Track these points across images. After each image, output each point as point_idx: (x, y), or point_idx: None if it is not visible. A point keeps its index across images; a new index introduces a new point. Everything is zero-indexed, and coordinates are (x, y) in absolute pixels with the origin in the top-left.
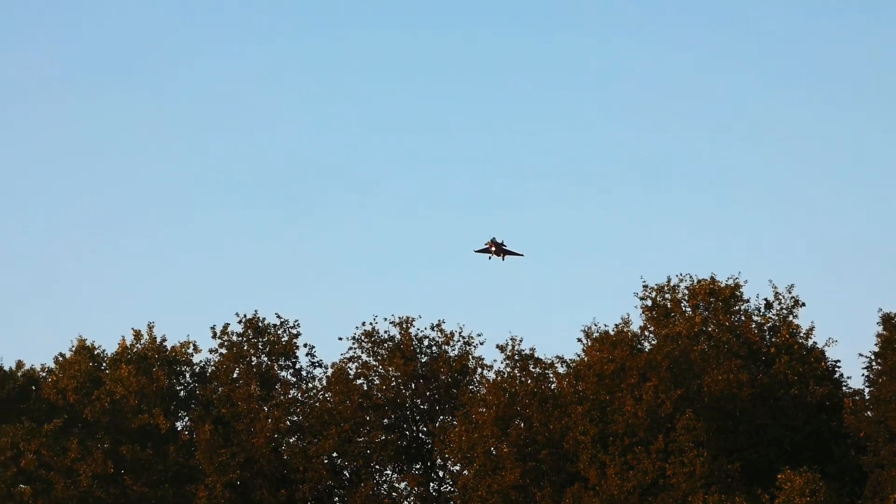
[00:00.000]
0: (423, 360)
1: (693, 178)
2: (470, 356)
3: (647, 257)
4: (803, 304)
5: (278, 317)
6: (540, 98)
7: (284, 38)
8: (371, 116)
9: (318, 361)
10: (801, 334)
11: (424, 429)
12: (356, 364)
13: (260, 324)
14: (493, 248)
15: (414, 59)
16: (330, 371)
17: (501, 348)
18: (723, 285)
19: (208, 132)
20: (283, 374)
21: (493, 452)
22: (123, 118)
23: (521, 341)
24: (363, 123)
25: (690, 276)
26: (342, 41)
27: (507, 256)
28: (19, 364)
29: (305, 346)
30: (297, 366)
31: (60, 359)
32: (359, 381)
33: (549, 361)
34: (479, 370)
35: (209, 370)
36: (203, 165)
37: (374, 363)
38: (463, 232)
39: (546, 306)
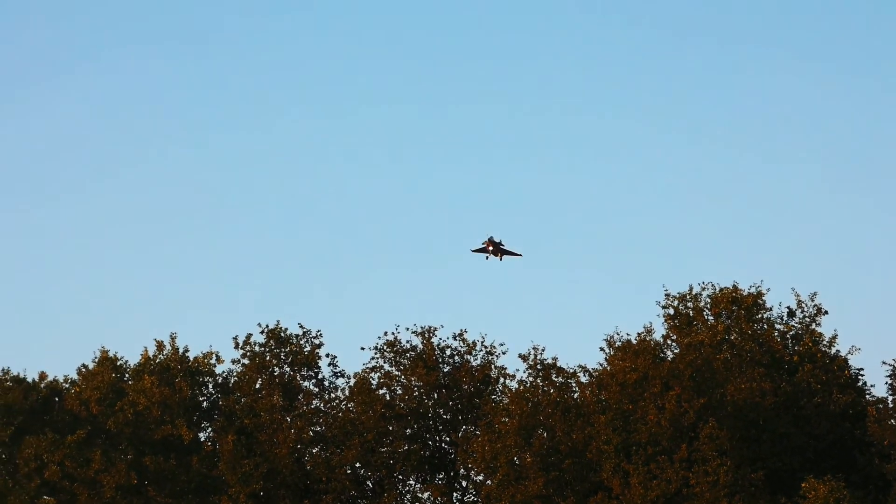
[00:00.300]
0: (445, 370)
1: (715, 185)
2: (492, 366)
3: (669, 266)
4: (826, 312)
5: (301, 327)
6: (556, 100)
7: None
8: (378, 121)
9: (340, 371)
10: (825, 342)
11: (447, 439)
12: (379, 374)
13: (282, 334)
14: (491, 248)
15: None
16: (352, 381)
17: (524, 358)
18: (745, 293)
19: (228, 142)
20: (306, 384)
21: (517, 462)
22: (143, 127)
23: (543, 350)
24: (371, 129)
25: (713, 285)
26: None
27: (504, 256)
28: (42, 375)
29: (328, 356)
30: (320, 376)
31: (83, 370)
32: (381, 391)
33: (571, 371)
34: (502, 380)
35: (232, 381)
36: (225, 176)
37: (397, 373)
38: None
39: (568, 315)
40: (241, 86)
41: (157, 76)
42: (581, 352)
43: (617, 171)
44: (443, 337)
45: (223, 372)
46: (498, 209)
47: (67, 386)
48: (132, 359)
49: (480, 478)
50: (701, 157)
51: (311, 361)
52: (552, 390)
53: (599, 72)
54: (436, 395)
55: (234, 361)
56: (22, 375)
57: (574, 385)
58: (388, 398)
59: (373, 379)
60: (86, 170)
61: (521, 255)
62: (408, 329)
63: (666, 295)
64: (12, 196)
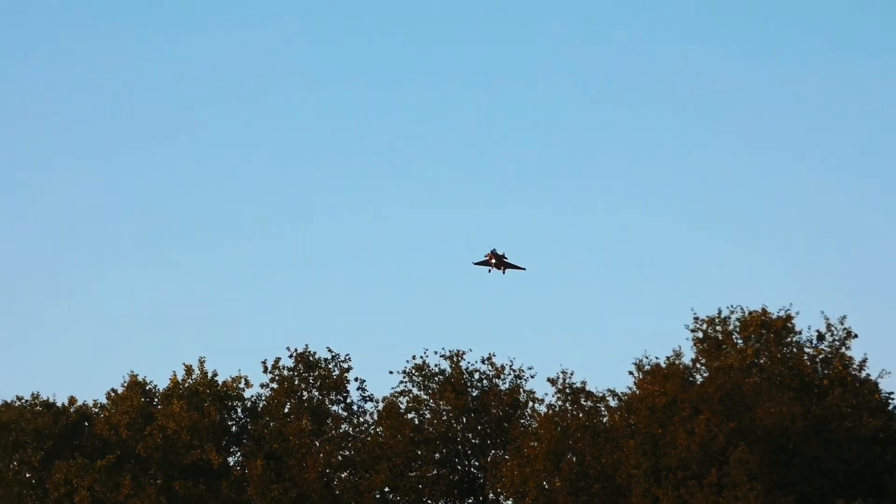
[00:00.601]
0: (474, 394)
1: (743, 208)
2: (521, 389)
3: (698, 289)
4: (856, 336)
5: (329, 351)
6: (574, 111)
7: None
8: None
9: (369, 395)
10: (854, 366)
11: (476, 463)
12: (407, 398)
13: (311, 358)
14: (493, 261)
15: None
16: (381, 405)
17: (553, 382)
18: (774, 317)
19: (255, 167)
20: (335, 408)
21: (546, 487)
22: (172, 153)
23: (572, 374)
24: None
25: (742, 308)
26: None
27: (507, 270)
28: (72, 400)
29: (356, 380)
30: (349, 400)
31: (112, 394)
32: (410, 416)
33: (600, 395)
34: (531, 404)
35: (260, 405)
36: (251, 202)
37: (425, 397)
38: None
39: (597, 338)
40: (262, 110)
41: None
42: (610, 375)
43: (646, 191)
44: (471, 361)
45: (252, 396)
46: (520, 226)
47: (97, 410)
48: (161, 383)
49: (510, 502)
50: (730, 179)
51: (339, 385)
52: (581, 414)
53: (623, 84)
54: (464, 419)
55: (262, 386)
56: (51, 400)
57: (603, 409)
58: (416, 422)
59: (401, 403)
60: (112, 196)
61: (524, 269)
62: (436, 353)
63: (695, 318)
64: (40, 219)
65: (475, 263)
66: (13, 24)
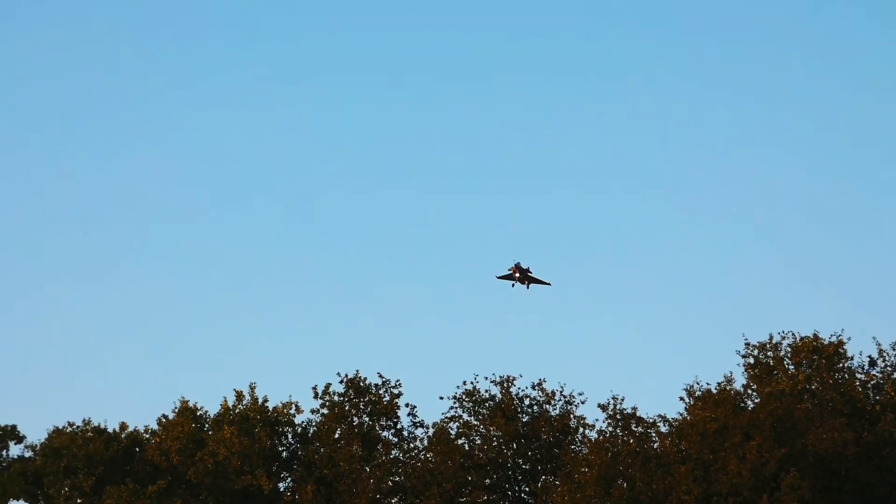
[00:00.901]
0: (524, 420)
1: (795, 233)
2: (571, 415)
3: (749, 314)
4: None
5: (380, 376)
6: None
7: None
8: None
9: (419, 421)
10: None
11: (527, 489)
12: (457, 424)
13: (361, 384)
14: (518, 275)
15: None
16: (431, 431)
17: (603, 407)
18: (826, 343)
19: (311, 189)
20: (385, 434)
21: None
22: (221, 181)
23: (622, 400)
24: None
25: (793, 334)
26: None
27: (532, 284)
28: (123, 426)
29: (407, 405)
30: (399, 426)
31: (164, 420)
32: (460, 441)
33: (651, 420)
34: (581, 429)
35: (311, 430)
36: (303, 227)
37: (476, 423)
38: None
39: (648, 364)
40: (323, 140)
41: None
42: (661, 401)
43: (698, 216)
44: (522, 386)
45: (302, 422)
46: (568, 247)
47: (148, 436)
48: (212, 409)
49: None
50: (783, 204)
51: (390, 411)
52: (632, 440)
53: (670, 98)
54: (515, 444)
55: (313, 411)
56: (103, 426)
57: (654, 435)
58: (467, 448)
59: (452, 429)
60: (160, 225)
61: (549, 284)
62: (486, 378)
63: (746, 344)
64: (90, 246)
65: (498, 277)
66: None
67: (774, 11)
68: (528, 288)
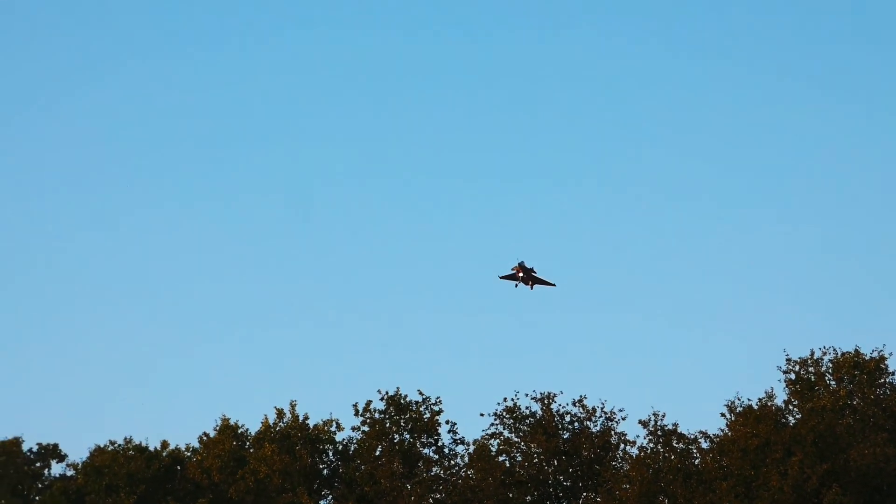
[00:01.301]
0: (565, 436)
1: (835, 248)
2: (612, 432)
3: (790, 330)
4: None
5: (420, 393)
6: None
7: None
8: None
9: (460, 438)
10: None
11: None
12: (498, 440)
13: (402, 401)
14: (521, 274)
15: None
16: (472, 448)
17: (644, 423)
18: (867, 358)
19: (338, 213)
20: (426, 451)
21: None
22: (263, 211)
23: (663, 416)
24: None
25: (834, 349)
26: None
27: (536, 285)
28: (164, 444)
29: (447, 422)
30: (440, 443)
31: (205, 438)
32: (501, 458)
33: (692, 436)
34: (622, 446)
35: (352, 448)
36: (341, 245)
37: (517, 439)
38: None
39: (688, 379)
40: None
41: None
42: (702, 417)
43: (739, 231)
44: (562, 403)
45: (343, 439)
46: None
47: (189, 454)
48: (253, 427)
49: None
50: (827, 217)
51: (430, 428)
52: (673, 456)
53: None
54: (556, 461)
55: (354, 429)
56: (144, 444)
57: (695, 451)
58: (507, 465)
59: (492, 446)
60: (204, 244)
61: (554, 285)
62: (527, 395)
63: (787, 360)
64: (131, 267)
65: (501, 277)
66: None
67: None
68: (531, 289)
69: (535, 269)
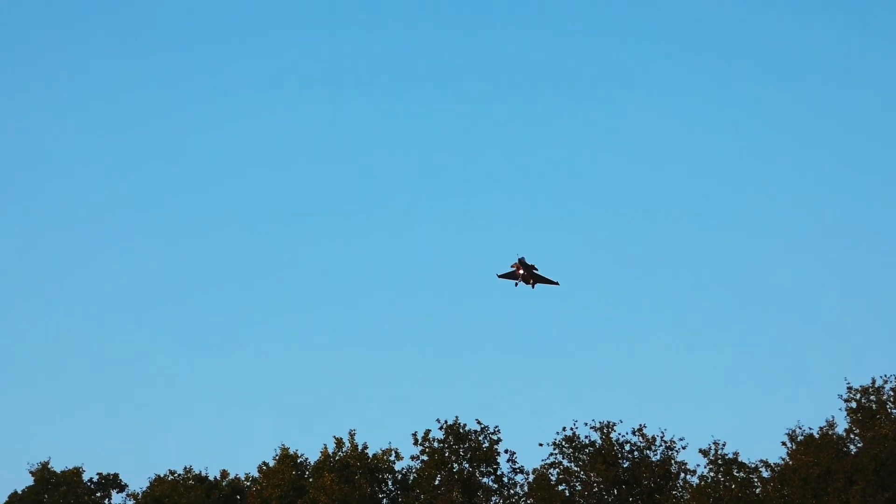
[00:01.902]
0: (625, 465)
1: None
2: (672, 461)
3: (851, 358)
4: None
5: (479, 423)
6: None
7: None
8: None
9: (519, 467)
10: None
11: None
12: (557, 470)
13: (461, 430)
14: (522, 272)
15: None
16: (531, 477)
17: (704, 453)
18: None
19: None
20: (485, 480)
21: None
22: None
23: (724, 445)
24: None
25: None
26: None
27: (537, 284)
28: (224, 474)
29: (506, 451)
30: (499, 472)
31: (264, 468)
32: (560, 487)
33: (753, 465)
34: (683, 475)
35: (411, 477)
36: (399, 283)
37: (576, 469)
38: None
39: (749, 408)
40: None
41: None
42: (762, 446)
43: (798, 258)
44: (622, 432)
45: (402, 468)
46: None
47: (249, 484)
48: (312, 456)
49: None
50: (883, 248)
51: (490, 457)
52: (734, 486)
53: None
54: (615, 491)
55: (413, 458)
56: (204, 474)
57: (756, 480)
58: (567, 494)
59: (552, 475)
60: (267, 275)
61: (557, 284)
62: (586, 424)
63: (848, 388)
64: (187, 302)
65: (500, 276)
66: None
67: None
68: (533, 287)
69: (536, 266)
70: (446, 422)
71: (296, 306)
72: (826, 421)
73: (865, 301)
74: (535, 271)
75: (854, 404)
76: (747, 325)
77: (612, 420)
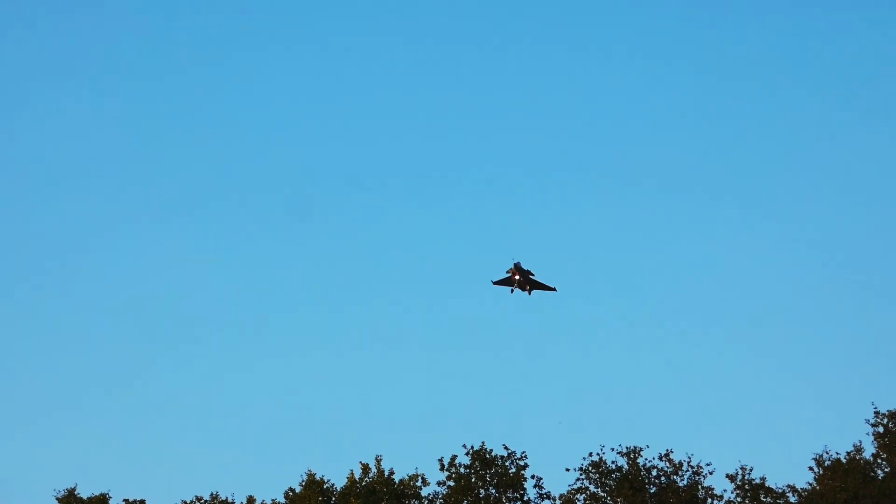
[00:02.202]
0: (651, 491)
1: None
2: (699, 486)
3: (878, 382)
4: None
5: (505, 448)
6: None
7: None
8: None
9: (546, 493)
10: None
11: None
12: (584, 495)
13: (487, 455)
14: (518, 278)
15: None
16: (558, 502)
17: (731, 478)
18: None
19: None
20: None
21: None
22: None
23: (751, 470)
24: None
25: None
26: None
27: (534, 291)
28: (250, 500)
29: (533, 477)
30: (526, 497)
31: (291, 493)
32: None
33: (780, 490)
34: (710, 500)
35: (438, 503)
36: (416, 313)
37: (603, 494)
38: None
39: (776, 432)
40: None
41: None
42: (789, 471)
43: (827, 280)
44: (648, 457)
45: (429, 494)
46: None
47: None
48: (339, 482)
49: None
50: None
51: (516, 483)
52: None
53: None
54: None
55: (439, 483)
56: (230, 500)
57: None
58: None
59: (578, 500)
60: (290, 298)
61: (554, 290)
62: (613, 450)
63: (875, 413)
64: (214, 326)
65: (494, 283)
66: None
67: None
68: (529, 294)
69: (532, 272)
70: (472, 447)
71: (319, 333)
72: (853, 446)
73: (894, 325)
74: (531, 277)
75: (881, 429)
76: (773, 348)
77: (639, 445)
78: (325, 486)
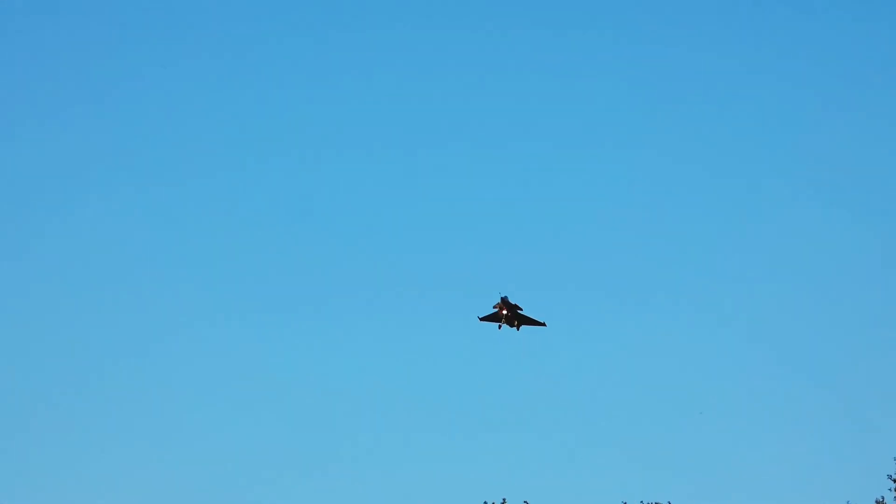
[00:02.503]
0: None
1: None
2: None
3: None
4: None
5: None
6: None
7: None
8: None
9: None
10: None
11: None
12: None
13: None
14: (505, 312)
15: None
16: None
17: None
18: None
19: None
20: None
21: None
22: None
23: None
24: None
25: None
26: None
27: (522, 326)
28: None
29: None
30: None
31: None
32: None
33: None
34: None
35: None
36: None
37: None
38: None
39: (796, 487)
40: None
41: None
42: None
43: (847, 332)
44: None
45: None
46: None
47: None
48: None
49: None
50: None
51: None
52: None
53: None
54: None
55: None
56: None
57: None
58: None
59: None
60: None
61: (544, 325)
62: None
63: None
64: (241, 354)
65: (481, 319)
66: None
67: None
68: (517, 330)
69: (520, 306)
70: (493, 503)
71: (334, 388)
72: (875, 501)
73: None
74: (519, 311)
75: None
76: (794, 402)
77: (661, 502)
78: None
